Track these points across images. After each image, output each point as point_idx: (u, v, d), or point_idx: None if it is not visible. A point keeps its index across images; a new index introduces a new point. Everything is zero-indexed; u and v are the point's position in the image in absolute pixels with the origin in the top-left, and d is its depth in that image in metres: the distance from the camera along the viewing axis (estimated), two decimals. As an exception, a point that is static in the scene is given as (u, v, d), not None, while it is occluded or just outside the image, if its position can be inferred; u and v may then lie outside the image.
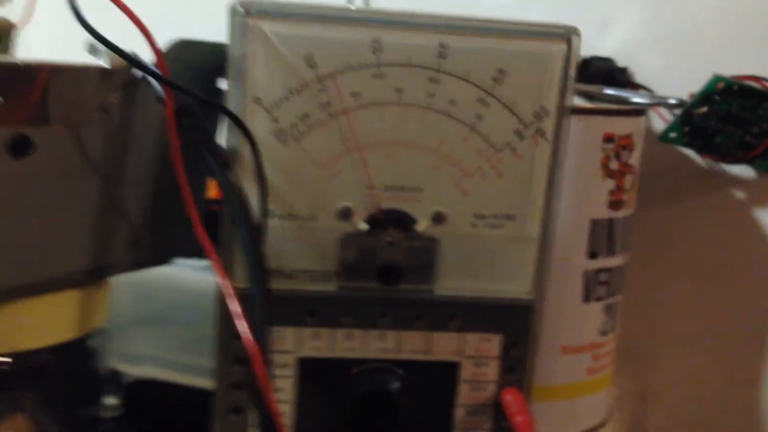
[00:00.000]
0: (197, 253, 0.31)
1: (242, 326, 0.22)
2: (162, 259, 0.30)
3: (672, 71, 0.42)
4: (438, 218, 0.28)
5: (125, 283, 0.34)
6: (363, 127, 0.27)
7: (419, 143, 0.27)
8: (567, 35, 0.27)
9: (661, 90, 0.42)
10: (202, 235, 0.24)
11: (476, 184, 0.28)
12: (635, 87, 0.42)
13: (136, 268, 0.28)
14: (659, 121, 0.41)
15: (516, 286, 0.29)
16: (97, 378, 0.29)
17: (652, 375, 0.44)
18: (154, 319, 0.36)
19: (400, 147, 0.27)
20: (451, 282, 0.29)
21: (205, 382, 0.33)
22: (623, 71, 0.42)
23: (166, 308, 0.37)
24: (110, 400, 0.33)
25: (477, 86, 0.27)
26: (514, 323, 0.29)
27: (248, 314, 0.22)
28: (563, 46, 0.27)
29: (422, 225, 0.28)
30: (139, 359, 0.35)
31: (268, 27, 0.25)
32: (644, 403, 0.44)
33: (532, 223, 0.29)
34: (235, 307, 0.22)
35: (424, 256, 0.28)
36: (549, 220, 0.29)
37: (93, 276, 0.27)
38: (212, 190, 0.37)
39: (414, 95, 0.27)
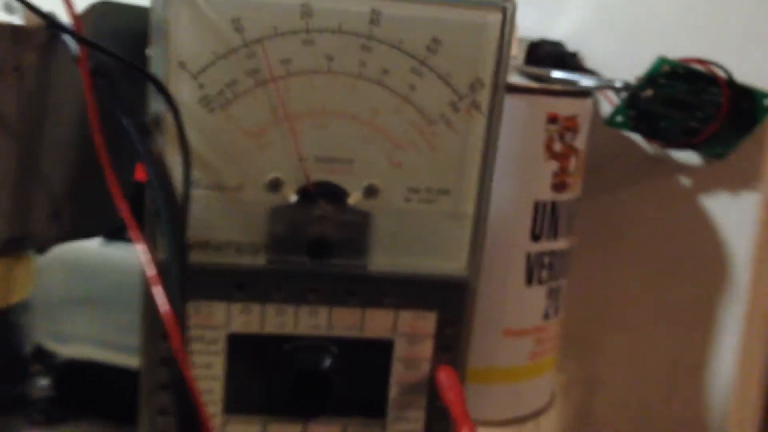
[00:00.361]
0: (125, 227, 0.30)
1: (158, 294, 0.22)
2: (88, 232, 0.29)
3: (622, 56, 0.42)
4: (370, 191, 0.27)
5: (57, 261, 0.33)
6: (292, 95, 0.26)
7: (351, 113, 0.27)
8: (502, 4, 0.27)
9: (611, 75, 0.42)
10: (119, 201, 0.23)
11: (410, 157, 0.27)
12: (585, 71, 0.42)
13: (60, 241, 0.27)
14: (608, 107, 0.41)
15: (451, 263, 0.28)
16: (20, 355, 0.28)
17: (599, 362, 0.44)
18: (87, 299, 0.35)
19: (331, 117, 0.26)
20: (385, 258, 0.28)
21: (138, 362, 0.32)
22: (573, 56, 0.42)
23: (100, 288, 0.36)
24: (40, 380, 0.32)
25: (410, 55, 0.26)
26: (449, 301, 0.29)
27: (165, 284, 0.22)
28: (499, 16, 0.27)
29: (354, 198, 0.27)
30: (72, 339, 0.34)
31: (192, -11, 0.25)
32: (591, 390, 0.44)
33: (467, 198, 0.28)
34: (151, 274, 0.22)
35: (355, 231, 0.27)
36: (484, 195, 0.28)
37: (11, 247, 0.25)
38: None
39: (345, 63, 0.26)
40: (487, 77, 0.27)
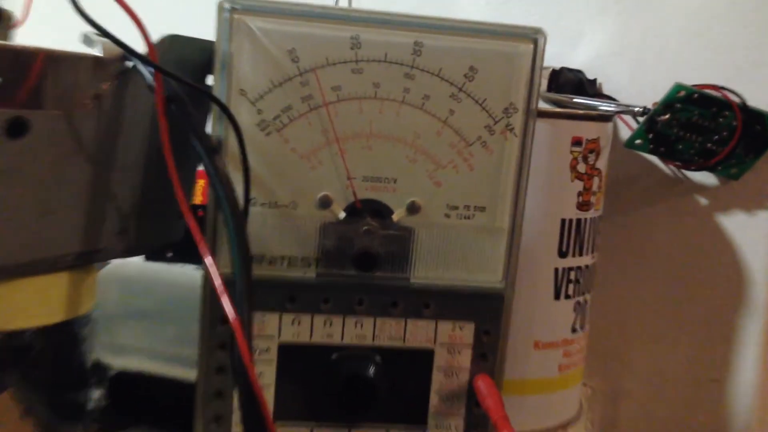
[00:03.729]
0: (182, 243, 0.32)
1: (226, 303, 0.23)
2: (148, 247, 0.31)
3: (638, 82, 0.44)
4: (412, 208, 0.29)
5: (111, 278, 0.35)
6: (342, 119, 0.28)
7: (395, 136, 0.29)
8: (533, 36, 0.29)
9: (627, 100, 0.44)
10: (188, 216, 0.25)
11: (449, 176, 0.29)
12: (603, 97, 0.44)
13: (124, 255, 0.29)
14: (626, 131, 0.43)
15: (488, 276, 0.30)
16: (83, 365, 0.30)
17: (623, 374, 0.46)
18: (138, 313, 0.37)
19: (376, 139, 0.29)
20: (426, 270, 0.30)
21: (189, 373, 0.34)
22: (592, 83, 0.45)
23: (150, 303, 0.38)
24: (95, 391, 0.34)
25: (449, 82, 0.28)
26: (486, 311, 0.30)
27: (232, 292, 0.23)
28: (530, 46, 0.29)
29: (398, 215, 0.29)
30: (124, 351, 0.36)
31: (253, 23, 0.27)
32: (615, 402, 0.46)
33: (502, 215, 0.30)
34: (218, 284, 0.23)
35: (399, 245, 0.29)
36: (518, 212, 0.30)
37: (82, 260, 0.27)
38: (198, 196, 0.38)
39: (390, 90, 0.28)
40: (520, 102, 0.29)
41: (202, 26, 0.29)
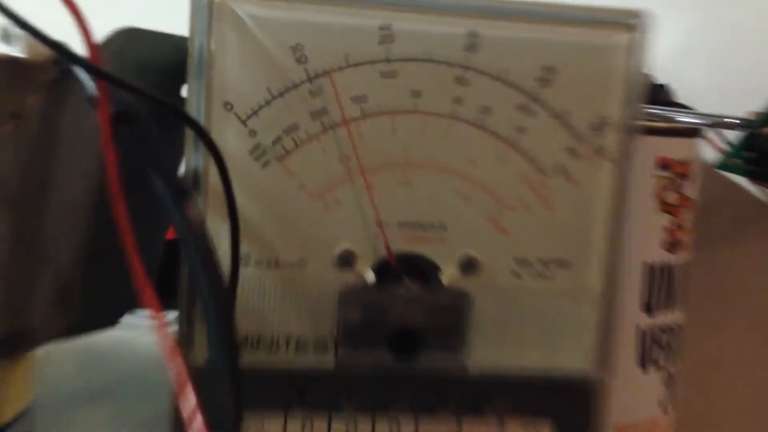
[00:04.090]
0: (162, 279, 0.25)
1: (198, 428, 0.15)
2: (102, 321, 0.23)
3: (719, 89, 0.36)
4: (468, 265, 0.21)
5: (65, 351, 0.29)
6: (369, 142, 0.21)
7: (442, 164, 0.21)
8: (631, 21, 0.21)
9: (706, 110, 0.36)
10: (145, 288, 0.17)
11: (518, 220, 0.22)
12: (677, 106, 0.37)
13: (67, 335, 0.21)
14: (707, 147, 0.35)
15: (572, 357, 0.22)
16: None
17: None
18: (100, 394, 0.30)
19: (417, 170, 0.21)
20: (487, 352, 0.22)
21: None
22: (662, 88, 0.37)
23: (116, 380, 0.30)
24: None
25: (518, 89, 0.21)
26: (569, 407, 0.22)
27: (209, 409, 0.15)
28: (627, 36, 0.21)
29: (448, 275, 0.21)
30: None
31: (243, 9, 0.20)
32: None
33: (592, 271, 0.22)
34: (189, 400, 0.15)
35: (451, 318, 0.21)
36: (615, 267, 0.22)
37: (5, 349, 0.19)
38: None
39: (435, 100, 0.21)
40: (615, 115, 0.21)
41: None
